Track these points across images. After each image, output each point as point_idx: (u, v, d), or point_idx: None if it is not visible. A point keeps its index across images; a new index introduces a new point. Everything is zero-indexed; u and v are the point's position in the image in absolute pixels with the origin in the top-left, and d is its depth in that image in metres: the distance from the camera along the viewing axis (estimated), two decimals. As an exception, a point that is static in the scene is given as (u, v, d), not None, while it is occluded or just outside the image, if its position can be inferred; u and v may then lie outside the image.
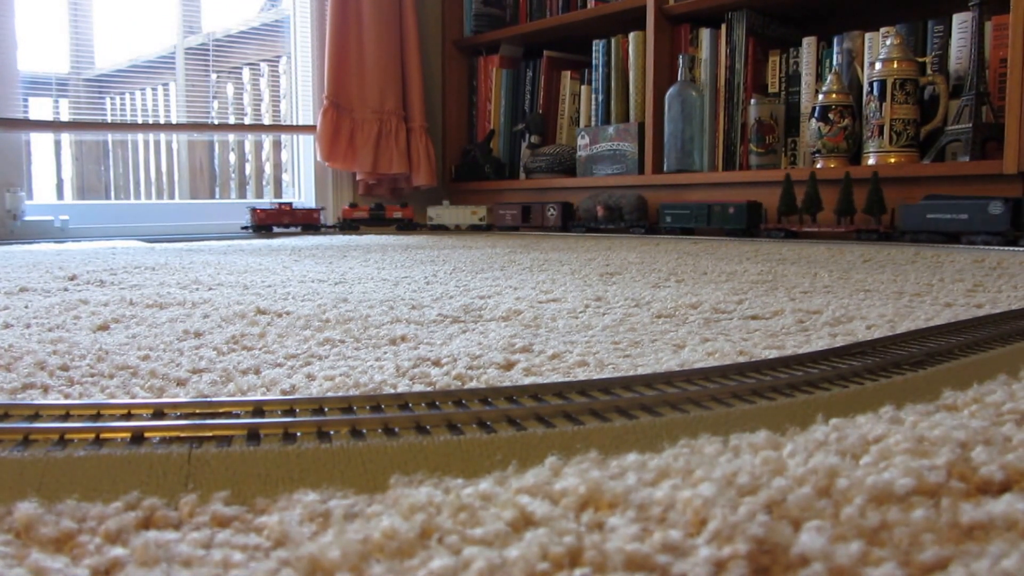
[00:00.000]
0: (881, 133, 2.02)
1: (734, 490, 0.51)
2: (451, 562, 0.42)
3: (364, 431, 0.61)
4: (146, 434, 0.58)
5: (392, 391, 0.76)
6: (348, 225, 2.90)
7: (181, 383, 0.75)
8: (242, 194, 3.23)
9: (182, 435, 0.59)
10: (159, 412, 0.63)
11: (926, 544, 0.44)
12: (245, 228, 2.80)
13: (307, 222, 2.84)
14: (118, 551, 0.45)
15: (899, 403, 0.67)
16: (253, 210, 2.76)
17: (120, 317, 1.05)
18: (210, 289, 1.32)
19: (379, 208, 2.90)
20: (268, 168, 3.27)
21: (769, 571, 0.42)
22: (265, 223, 2.78)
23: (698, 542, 0.44)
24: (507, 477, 0.54)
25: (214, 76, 2.98)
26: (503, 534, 0.46)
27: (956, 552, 0.43)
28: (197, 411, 0.64)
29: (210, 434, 0.59)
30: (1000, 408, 0.67)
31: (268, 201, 2.94)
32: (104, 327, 0.99)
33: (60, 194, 2.94)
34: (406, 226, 2.91)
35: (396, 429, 0.62)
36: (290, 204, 2.86)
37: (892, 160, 2.02)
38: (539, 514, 0.48)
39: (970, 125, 1.89)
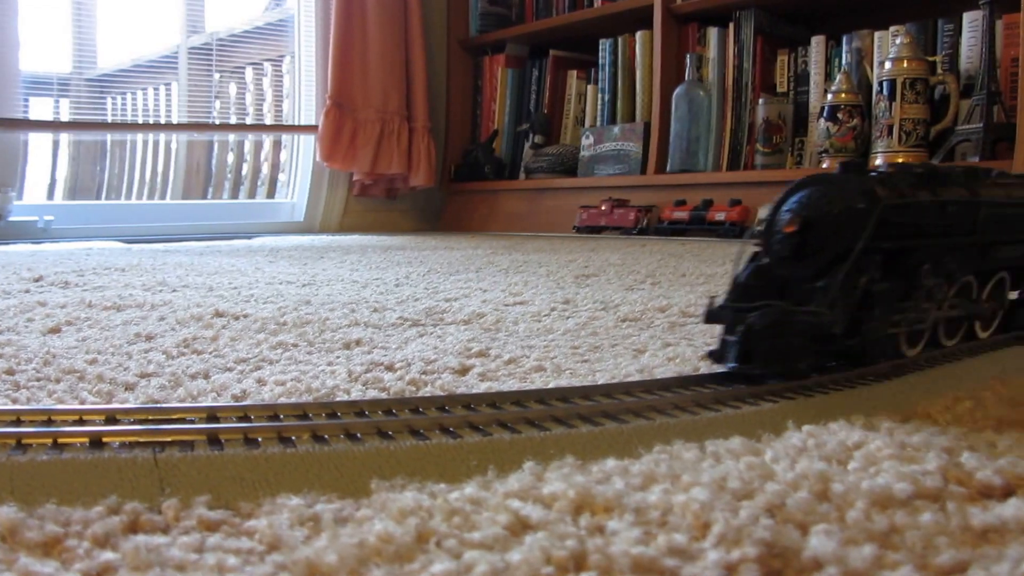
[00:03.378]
0: (890, 133, 2.00)
1: (728, 494, 0.50)
2: (453, 566, 0.41)
3: (326, 437, 0.60)
4: (104, 439, 0.56)
5: (346, 397, 0.75)
6: (663, 231, 2.42)
7: (129, 387, 0.74)
8: (235, 194, 3.21)
9: (142, 440, 0.57)
10: (112, 418, 0.62)
11: (941, 547, 0.43)
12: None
13: (623, 224, 2.51)
14: (109, 555, 0.44)
15: (869, 411, 0.68)
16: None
17: (74, 319, 1.04)
18: (174, 291, 1.30)
19: (704, 207, 2.33)
20: (266, 168, 3.26)
21: (781, 574, 0.42)
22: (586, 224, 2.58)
23: (704, 546, 0.44)
24: (490, 482, 0.53)
25: (217, 76, 2.98)
26: (502, 538, 0.45)
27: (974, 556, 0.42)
28: (151, 416, 0.63)
29: (171, 439, 0.57)
30: (974, 416, 0.66)
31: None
32: (56, 330, 0.97)
33: (51, 194, 2.91)
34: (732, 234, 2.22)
35: (358, 435, 0.61)
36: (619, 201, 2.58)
37: (900, 160, 2.00)
38: (535, 518, 0.47)
39: (981, 125, 1.88)
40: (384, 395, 0.74)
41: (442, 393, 0.74)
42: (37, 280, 1.40)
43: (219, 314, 1.04)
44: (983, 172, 0.93)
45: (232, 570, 0.42)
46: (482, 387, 0.78)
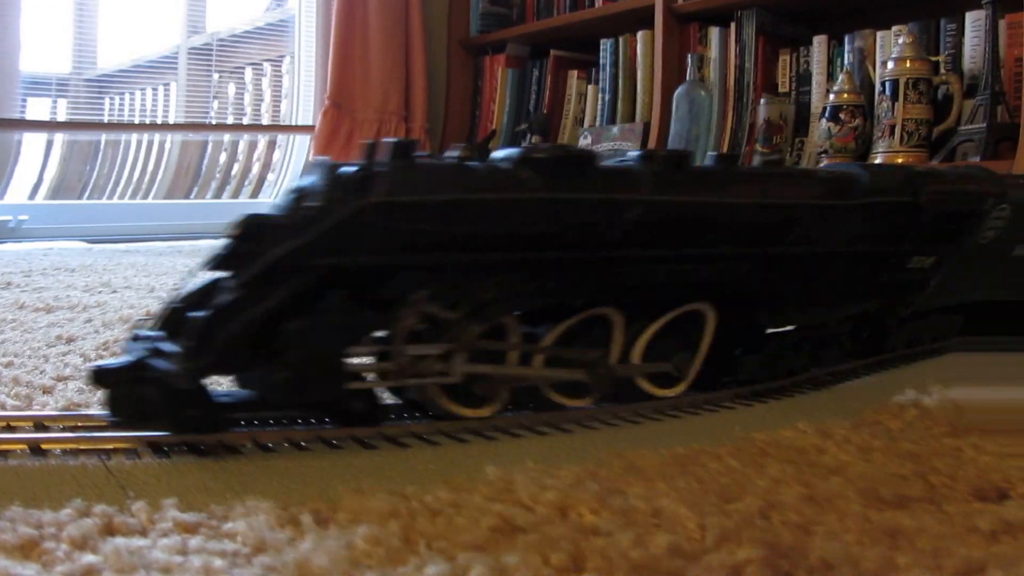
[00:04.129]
0: (892, 133, 1.99)
1: (713, 496, 0.50)
2: (447, 568, 0.41)
3: (303, 444, 0.59)
4: (43, 446, 0.56)
5: None
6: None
7: (47, 391, 0.73)
8: (220, 195, 3.18)
9: (83, 447, 0.56)
10: (41, 424, 0.61)
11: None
12: None
13: None
14: (90, 557, 0.43)
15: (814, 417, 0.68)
16: None
17: (0, 321, 1.03)
18: (114, 292, 1.29)
19: None
20: (256, 168, 3.24)
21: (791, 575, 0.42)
22: None
23: (705, 547, 0.43)
24: (460, 485, 0.52)
25: (216, 76, 2.97)
26: (492, 540, 0.45)
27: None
28: (80, 424, 0.61)
29: (112, 447, 0.57)
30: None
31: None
32: (-22, 332, 0.97)
33: (34, 194, 2.89)
34: None
35: (334, 440, 0.60)
36: None
37: (899, 161, 1.98)
38: (521, 520, 0.46)
39: (984, 125, 1.86)
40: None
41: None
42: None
43: (151, 316, 1.04)
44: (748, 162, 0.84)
45: (219, 572, 0.42)
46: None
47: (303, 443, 0.60)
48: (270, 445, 0.60)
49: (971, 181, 0.94)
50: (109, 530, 0.46)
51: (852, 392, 0.82)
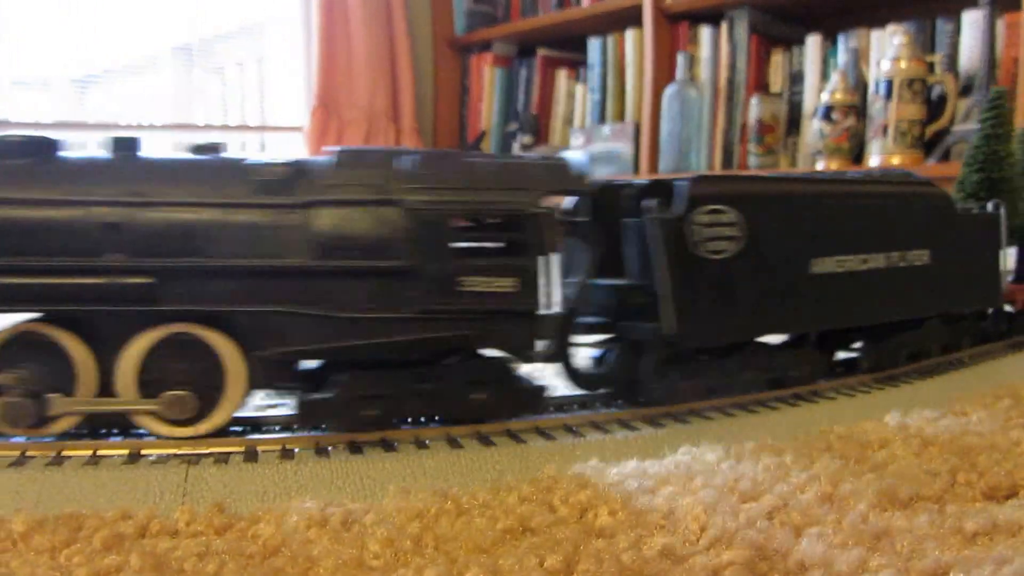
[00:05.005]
0: (885, 133, 1.98)
1: (735, 496, 0.50)
2: (444, 570, 0.41)
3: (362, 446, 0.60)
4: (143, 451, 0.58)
5: None
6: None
7: None
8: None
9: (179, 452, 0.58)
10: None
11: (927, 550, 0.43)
12: None
13: None
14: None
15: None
16: None
17: None
18: None
19: None
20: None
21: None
22: None
23: (696, 548, 0.44)
24: (507, 485, 0.53)
25: (200, 74, 2.95)
26: (499, 541, 0.44)
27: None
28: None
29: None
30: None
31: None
32: None
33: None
34: None
35: (395, 444, 0.61)
36: None
37: (895, 161, 1.98)
38: (535, 522, 0.47)
39: (979, 125, 1.85)
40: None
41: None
42: None
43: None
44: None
45: (232, 572, 0.42)
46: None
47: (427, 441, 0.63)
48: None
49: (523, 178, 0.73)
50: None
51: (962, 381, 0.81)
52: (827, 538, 0.43)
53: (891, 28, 2.07)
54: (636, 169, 2.53)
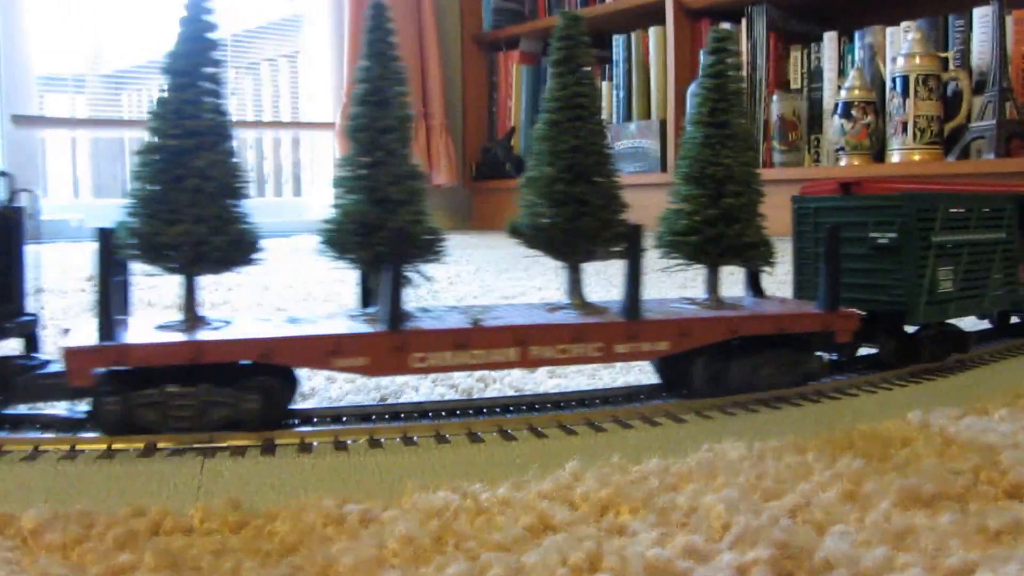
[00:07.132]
0: (905, 130, 1.99)
1: (759, 494, 0.51)
2: (467, 568, 0.42)
3: (382, 440, 0.61)
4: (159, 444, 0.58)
5: (414, 395, 0.77)
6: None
7: None
8: (260, 192, 3.20)
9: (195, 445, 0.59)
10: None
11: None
12: None
13: None
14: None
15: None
16: None
17: None
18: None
19: None
20: (287, 166, 3.25)
21: (792, 576, 0.45)
22: None
23: (721, 547, 0.44)
24: (527, 482, 0.53)
25: (232, 72, 2.97)
26: (521, 539, 0.45)
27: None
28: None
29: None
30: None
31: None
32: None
33: (76, 192, 2.91)
34: None
35: (415, 438, 0.63)
36: None
37: (916, 158, 1.99)
38: (557, 519, 0.47)
39: (994, 122, 1.87)
40: (452, 393, 0.78)
41: (511, 391, 0.78)
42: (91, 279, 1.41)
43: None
44: None
45: (249, 571, 0.41)
46: (550, 384, 0.81)
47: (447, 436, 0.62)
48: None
49: None
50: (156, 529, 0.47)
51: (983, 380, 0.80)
52: (851, 536, 0.43)
53: (904, 24, 2.09)
54: (664, 166, 2.54)
